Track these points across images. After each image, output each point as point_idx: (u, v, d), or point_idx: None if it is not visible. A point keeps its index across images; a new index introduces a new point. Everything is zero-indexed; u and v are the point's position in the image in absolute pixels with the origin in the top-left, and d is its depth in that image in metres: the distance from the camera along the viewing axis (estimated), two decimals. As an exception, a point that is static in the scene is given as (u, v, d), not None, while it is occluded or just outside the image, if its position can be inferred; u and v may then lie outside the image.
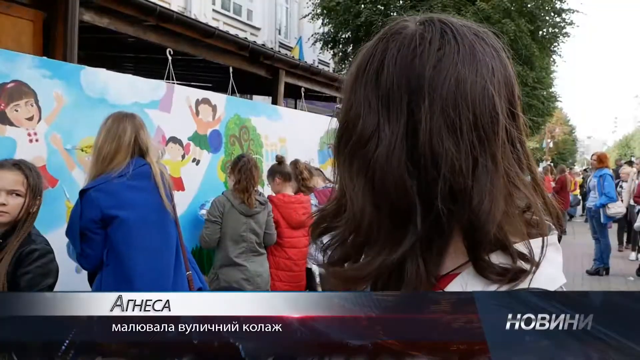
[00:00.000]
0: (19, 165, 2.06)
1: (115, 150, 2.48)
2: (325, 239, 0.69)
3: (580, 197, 15.84)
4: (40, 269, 1.95)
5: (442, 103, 0.58)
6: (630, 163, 12.18)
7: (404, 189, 0.59)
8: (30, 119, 2.86)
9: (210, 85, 7.92)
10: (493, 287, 0.59)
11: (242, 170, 3.62)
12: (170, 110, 3.78)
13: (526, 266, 0.60)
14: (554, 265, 0.63)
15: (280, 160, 4.17)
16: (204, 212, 3.81)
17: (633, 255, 8.73)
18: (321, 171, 4.85)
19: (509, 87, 0.64)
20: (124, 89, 3.43)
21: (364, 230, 0.62)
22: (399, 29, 0.64)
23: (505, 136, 0.61)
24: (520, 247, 0.61)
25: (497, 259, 0.60)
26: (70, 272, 2.93)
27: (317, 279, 4.27)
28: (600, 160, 8.21)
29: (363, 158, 0.61)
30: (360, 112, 0.62)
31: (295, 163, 4.49)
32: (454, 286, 0.61)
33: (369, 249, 0.63)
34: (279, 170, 4.14)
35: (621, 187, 9.31)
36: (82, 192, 2.44)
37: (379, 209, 0.60)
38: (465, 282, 0.60)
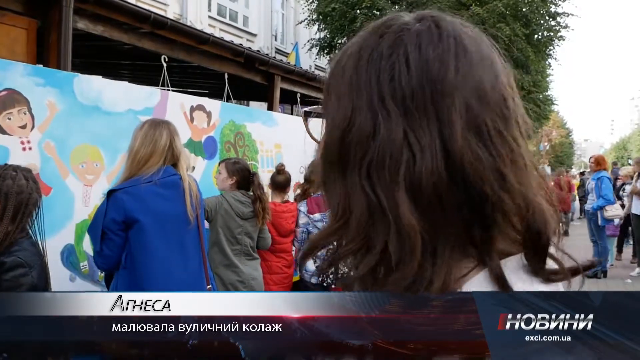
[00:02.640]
0: None
1: (150, 153, 2.53)
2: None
3: (577, 200, 15.86)
4: (8, 283, 1.88)
5: (468, 106, 0.56)
6: (614, 164, 12.04)
7: (445, 202, 0.55)
8: (24, 127, 2.85)
9: (206, 91, 7.92)
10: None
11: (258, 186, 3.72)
12: (165, 117, 3.77)
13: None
14: None
15: (279, 170, 4.25)
16: None
17: (637, 270, 8.15)
18: None
19: (510, 83, 0.62)
20: (117, 96, 3.42)
21: (414, 243, 0.56)
22: (402, 26, 0.60)
23: (519, 131, 0.60)
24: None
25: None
26: (64, 281, 2.91)
27: None
28: (598, 162, 8.24)
29: (397, 172, 0.56)
30: (376, 120, 0.57)
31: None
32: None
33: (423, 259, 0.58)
34: (272, 179, 4.27)
35: (623, 190, 8.95)
36: (110, 192, 2.49)
37: (423, 220, 0.56)
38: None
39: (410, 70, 0.57)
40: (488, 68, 0.59)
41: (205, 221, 3.69)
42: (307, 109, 0.75)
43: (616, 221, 8.24)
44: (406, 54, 0.58)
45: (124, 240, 2.50)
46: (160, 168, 2.55)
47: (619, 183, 9.42)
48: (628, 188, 8.51)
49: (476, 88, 0.57)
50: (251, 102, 10.56)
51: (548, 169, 20.78)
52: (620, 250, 9.45)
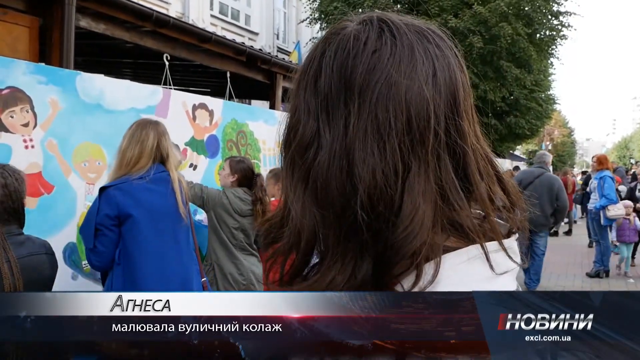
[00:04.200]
0: None
1: (139, 154, 2.60)
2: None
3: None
4: None
5: (370, 107, 0.56)
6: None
7: (348, 199, 0.56)
8: (26, 125, 2.85)
9: (208, 90, 7.92)
10: None
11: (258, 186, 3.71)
12: (167, 116, 3.77)
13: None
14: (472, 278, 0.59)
15: None
16: (199, 217, 3.80)
17: None
18: None
19: (451, 90, 0.60)
20: (120, 94, 3.42)
21: (305, 242, 0.60)
22: (338, 29, 0.62)
23: (440, 142, 0.57)
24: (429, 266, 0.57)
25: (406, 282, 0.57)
26: (66, 279, 2.92)
27: None
28: (601, 162, 8.22)
29: (304, 166, 0.59)
30: (301, 117, 0.61)
31: None
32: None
33: (319, 263, 0.61)
34: (278, 175, 4.18)
35: (639, 190, 8.79)
36: (102, 190, 2.54)
37: (323, 221, 0.58)
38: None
39: (330, 71, 0.59)
40: (409, 76, 0.57)
41: (203, 211, 3.72)
42: None
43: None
44: (329, 56, 0.60)
45: (118, 237, 2.53)
46: (151, 167, 2.61)
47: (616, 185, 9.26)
48: None
49: (384, 94, 0.56)
50: (253, 101, 10.56)
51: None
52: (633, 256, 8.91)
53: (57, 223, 2.93)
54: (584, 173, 19.09)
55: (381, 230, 0.56)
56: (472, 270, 0.58)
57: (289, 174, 0.62)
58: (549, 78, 18.37)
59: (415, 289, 0.56)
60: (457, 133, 0.59)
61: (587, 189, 8.99)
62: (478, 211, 0.60)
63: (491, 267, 0.59)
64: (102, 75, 3.43)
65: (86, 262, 2.98)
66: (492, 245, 0.60)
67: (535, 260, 6.58)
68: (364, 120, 0.56)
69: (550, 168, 7.15)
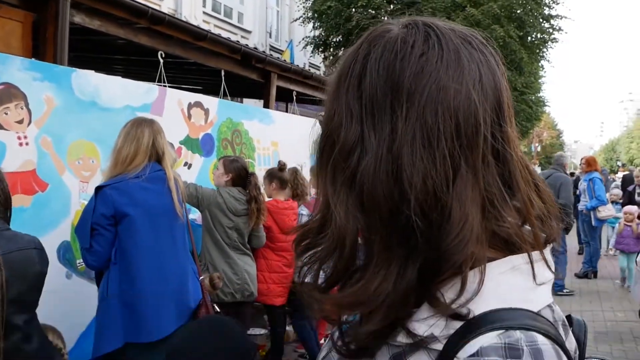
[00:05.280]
0: None
1: (134, 152, 2.59)
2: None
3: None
4: None
5: (419, 111, 0.55)
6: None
7: (396, 205, 0.55)
8: (20, 122, 2.81)
9: (200, 88, 7.88)
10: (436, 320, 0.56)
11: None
12: (162, 114, 3.75)
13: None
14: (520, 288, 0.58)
15: (281, 167, 4.22)
16: (192, 217, 3.78)
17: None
18: None
19: (496, 95, 0.59)
20: (115, 92, 3.39)
21: (348, 249, 0.58)
22: (383, 32, 0.61)
23: (488, 148, 0.57)
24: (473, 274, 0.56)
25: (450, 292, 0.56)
26: (60, 278, 2.89)
27: None
28: (589, 163, 8.29)
29: (347, 170, 0.58)
30: (342, 120, 0.59)
31: (295, 172, 4.53)
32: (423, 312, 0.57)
33: (362, 269, 0.59)
34: (278, 176, 4.18)
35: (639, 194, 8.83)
36: (98, 189, 2.52)
37: (367, 226, 0.57)
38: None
39: (376, 73, 0.58)
40: (457, 80, 0.57)
41: (198, 211, 3.71)
42: None
43: None
44: (375, 58, 0.59)
45: (114, 236, 2.51)
46: (147, 165, 2.60)
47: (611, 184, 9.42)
48: None
49: (434, 98, 0.56)
50: (245, 100, 10.52)
51: (539, 169, 20.87)
52: None
53: (51, 221, 2.90)
54: (571, 175, 19.22)
55: (432, 236, 0.55)
56: (514, 280, 0.58)
57: (329, 178, 0.60)
58: (539, 80, 18.52)
59: (462, 299, 0.55)
60: (503, 139, 0.59)
61: (577, 192, 9.06)
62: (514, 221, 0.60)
63: (534, 277, 0.58)
64: (97, 73, 3.40)
65: (80, 260, 2.95)
66: (533, 255, 0.59)
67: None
68: (412, 124, 0.55)
69: (567, 168, 7.15)
